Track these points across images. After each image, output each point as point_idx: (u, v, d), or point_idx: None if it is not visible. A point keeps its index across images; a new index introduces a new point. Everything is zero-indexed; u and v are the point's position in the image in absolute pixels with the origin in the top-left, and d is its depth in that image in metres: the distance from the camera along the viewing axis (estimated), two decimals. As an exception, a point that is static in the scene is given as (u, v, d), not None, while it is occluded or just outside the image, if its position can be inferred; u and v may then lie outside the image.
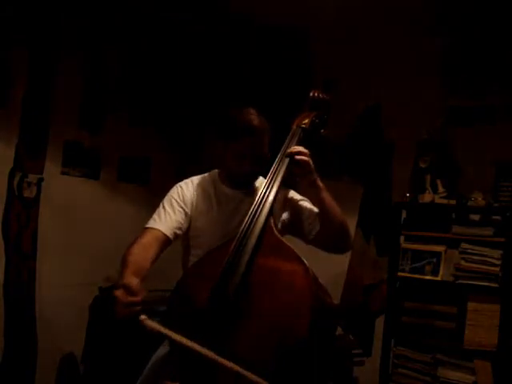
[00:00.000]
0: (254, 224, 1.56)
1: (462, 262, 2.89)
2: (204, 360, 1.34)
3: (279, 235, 1.58)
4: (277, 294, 1.45)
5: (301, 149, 1.70)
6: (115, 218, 3.63)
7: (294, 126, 1.84)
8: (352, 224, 3.05)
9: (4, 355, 2.97)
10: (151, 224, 1.73)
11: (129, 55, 3.70)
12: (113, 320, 1.38)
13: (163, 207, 1.77)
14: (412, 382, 2.96)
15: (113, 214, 3.64)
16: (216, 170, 1.91)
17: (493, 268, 2.79)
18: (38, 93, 3.15)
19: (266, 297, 1.45)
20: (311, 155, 1.70)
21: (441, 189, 3.10)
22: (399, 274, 3.05)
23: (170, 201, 1.79)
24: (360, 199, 3.44)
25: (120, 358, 3.14)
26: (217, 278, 1.49)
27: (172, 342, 1.41)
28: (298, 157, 1.67)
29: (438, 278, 2.95)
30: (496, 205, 2.93)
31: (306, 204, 1.86)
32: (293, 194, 1.90)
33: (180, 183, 1.86)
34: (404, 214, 3.14)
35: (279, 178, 1.67)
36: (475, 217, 2.99)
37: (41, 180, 3.16)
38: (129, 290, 1.39)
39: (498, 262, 2.78)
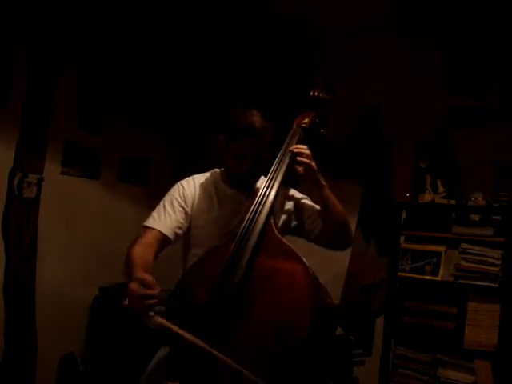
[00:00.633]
0: (255, 223, 1.56)
1: (462, 262, 2.90)
2: (204, 360, 1.34)
3: (279, 234, 1.58)
4: (277, 294, 1.45)
5: (303, 149, 1.70)
6: (115, 218, 3.64)
7: (294, 126, 1.84)
8: (352, 224, 3.04)
9: (4, 355, 2.97)
10: (151, 223, 1.72)
11: (129, 55, 3.70)
12: (115, 317, 1.37)
13: (163, 206, 1.76)
14: (412, 382, 2.97)
15: (113, 213, 3.65)
16: (217, 170, 1.90)
17: (493, 268, 2.80)
18: (38, 93, 3.14)
19: (266, 296, 1.45)
20: (312, 154, 1.70)
21: (441, 189, 3.10)
22: (399, 273, 3.06)
23: (171, 200, 1.78)
24: (360, 199, 3.44)
25: (120, 357, 3.14)
26: (217, 277, 1.49)
27: (175, 339, 1.39)
28: (299, 158, 1.68)
29: (438, 278, 2.95)
30: (496, 205, 2.93)
31: (308, 202, 1.86)
32: (293, 192, 1.90)
33: (181, 181, 1.85)
34: (404, 214, 3.14)
35: (279, 178, 1.67)
36: (475, 217, 2.99)
37: (41, 180, 3.16)
38: (144, 283, 1.39)
39: (498, 262, 2.79)
